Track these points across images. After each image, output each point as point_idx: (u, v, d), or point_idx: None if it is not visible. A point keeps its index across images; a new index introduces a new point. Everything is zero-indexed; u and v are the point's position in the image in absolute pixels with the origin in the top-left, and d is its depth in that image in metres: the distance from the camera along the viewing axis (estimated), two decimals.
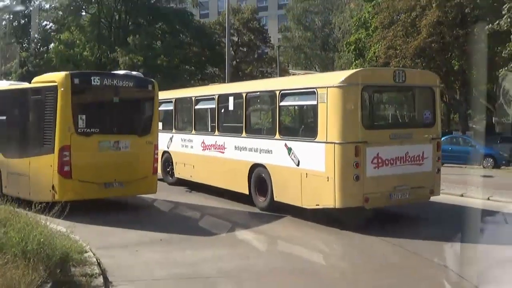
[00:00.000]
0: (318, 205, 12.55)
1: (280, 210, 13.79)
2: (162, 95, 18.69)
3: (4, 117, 15.58)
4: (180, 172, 18.67)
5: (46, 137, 13.52)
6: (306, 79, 14.70)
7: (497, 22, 28.04)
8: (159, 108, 18.26)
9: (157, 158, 15.04)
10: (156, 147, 14.87)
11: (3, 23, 51.18)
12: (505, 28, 27.72)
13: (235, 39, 66.51)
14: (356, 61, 44.20)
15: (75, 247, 9.21)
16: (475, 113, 39.21)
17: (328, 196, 12.08)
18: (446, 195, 16.40)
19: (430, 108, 13.26)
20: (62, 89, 13.17)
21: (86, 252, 9.34)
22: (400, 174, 12.37)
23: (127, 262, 9.59)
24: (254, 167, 14.55)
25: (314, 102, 12.58)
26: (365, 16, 44.82)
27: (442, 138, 31.99)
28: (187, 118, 18.55)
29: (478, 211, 14.11)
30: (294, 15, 69.27)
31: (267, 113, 14.93)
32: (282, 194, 13.69)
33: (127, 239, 11.26)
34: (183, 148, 18.31)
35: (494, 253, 10.08)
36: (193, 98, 17.90)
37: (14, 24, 51.51)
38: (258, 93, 15.36)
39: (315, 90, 12.57)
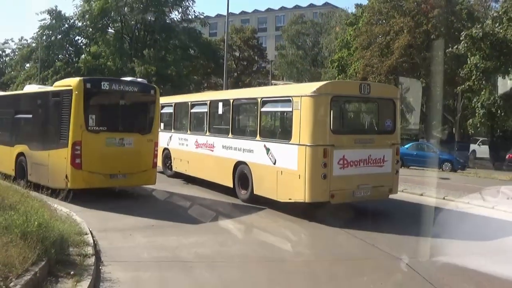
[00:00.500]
0: (290, 199, 12.28)
1: (259, 202, 13.49)
2: (164, 99, 18.54)
3: (31, 115, 15.63)
4: (177, 166, 18.41)
5: (62, 133, 13.50)
6: (284, 89, 14.52)
7: (456, 46, 27.93)
8: (162, 111, 18.17)
9: (157, 154, 14.82)
10: (156, 144, 14.71)
11: (43, 37, 51.31)
12: (463, 52, 27.64)
13: (237, 54, 66.85)
14: (339, 76, 44.20)
15: (75, 229, 9.10)
16: (438, 124, 38.91)
17: (299, 192, 11.82)
18: (409, 194, 16.24)
19: (391, 117, 12.95)
20: (76, 92, 13.15)
21: (86, 234, 9.15)
22: (363, 174, 12.07)
23: (119, 245, 9.36)
24: (238, 164, 14.25)
25: (290, 109, 12.30)
26: (347, 38, 44.84)
27: (409, 145, 32.30)
28: (184, 120, 18.19)
29: (433, 208, 13.83)
30: (289, 36, 70.04)
31: (250, 117, 14.56)
32: (260, 188, 13.39)
33: (124, 224, 11.02)
34: (180, 146, 18.02)
35: (444, 246, 9.67)
36: (189, 103, 17.64)
37: (52, 38, 51.67)
38: (243, 100, 15.05)
39: (291, 98, 12.29)
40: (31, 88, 18.33)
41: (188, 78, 49.58)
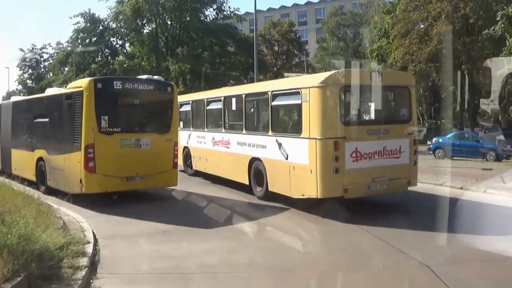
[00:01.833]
0: (303, 195, 11.86)
1: (274, 199, 13.09)
2: (183, 98, 18.46)
3: (47, 119, 15.36)
4: (196, 164, 18.24)
5: (75, 136, 13.14)
6: (293, 80, 14.02)
7: (492, 28, 26.63)
8: (181, 109, 17.94)
9: (177, 154, 14.36)
10: (176, 144, 14.23)
11: (78, 41, 52.02)
12: (500, 33, 26.32)
13: (276, 48, 66.40)
14: (379, 66, 43.16)
15: (77, 238, 8.86)
16: (483, 112, 37.48)
17: (311, 187, 11.41)
18: (448, 188, 15.18)
19: (406, 105, 12.36)
20: (87, 93, 12.79)
21: (87, 243, 8.84)
22: (378, 167, 11.54)
23: (121, 254, 8.93)
24: (253, 160, 13.94)
25: (299, 102, 11.84)
26: (385, 27, 43.77)
27: (451, 134, 31.20)
28: (201, 117, 17.93)
29: (469, 203, 12.83)
30: (329, 28, 69.40)
31: (262, 112, 14.14)
32: (275, 184, 13.03)
33: (135, 230, 10.62)
34: (199, 143, 17.83)
35: (475, 247, 8.76)
36: (205, 100, 17.44)
37: (86, 41, 52.21)
38: (255, 94, 14.61)
39: (299, 90, 11.85)
40: (51, 91, 18.31)
41: (226, 75, 49.40)
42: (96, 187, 12.82)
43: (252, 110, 14.83)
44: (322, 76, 11.83)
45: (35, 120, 16.32)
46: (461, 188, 15.15)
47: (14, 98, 21.03)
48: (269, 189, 13.18)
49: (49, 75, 64.34)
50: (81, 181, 12.82)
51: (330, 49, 68.57)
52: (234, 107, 15.37)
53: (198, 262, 8.37)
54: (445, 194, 13.94)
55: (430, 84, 43.69)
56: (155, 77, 15.28)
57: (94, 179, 12.76)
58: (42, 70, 70.78)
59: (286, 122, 13.27)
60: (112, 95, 13.35)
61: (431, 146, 31.90)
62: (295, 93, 12.08)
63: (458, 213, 11.00)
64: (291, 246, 9.75)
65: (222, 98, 16.10)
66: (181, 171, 17.38)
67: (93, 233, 9.76)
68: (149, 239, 9.84)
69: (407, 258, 8.48)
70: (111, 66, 48.16)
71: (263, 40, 63.51)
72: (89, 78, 13.85)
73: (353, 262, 8.57)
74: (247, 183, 14.28)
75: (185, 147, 18.77)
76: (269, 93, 13.17)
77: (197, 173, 18.29)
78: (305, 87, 11.60)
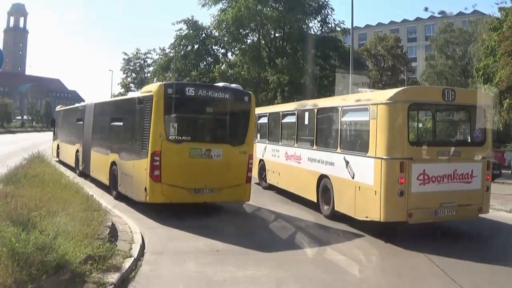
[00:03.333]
0: (367, 217, 11.32)
1: (341, 218, 12.54)
2: (261, 110, 18.38)
3: (121, 123, 15.28)
4: (270, 178, 18.04)
5: (144, 142, 12.73)
6: (363, 96, 13.39)
7: None
8: (259, 121, 17.81)
9: (251, 168, 13.75)
10: (250, 157, 13.61)
11: (180, 47, 52.38)
12: None
13: (381, 64, 65.06)
14: (485, 86, 40.90)
15: (121, 250, 8.62)
16: None
17: (375, 210, 10.87)
18: None
19: (481, 127, 11.52)
20: (156, 98, 12.41)
21: (129, 257, 8.49)
22: (447, 191, 10.82)
23: (162, 272, 8.45)
24: (322, 177, 13.53)
25: (367, 118, 11.34)
26: (491, 44, 41.41)
27: None
28: (276, 130, 17.67)
29: None
30: (437, 45, 66.79)
31: (332, 127, 13.64)
32: (341, 204, 12.56)
33: (188, 247, 10.15)
34: (273, 157, 17.61)
35: None
36: (281, 113, 17.24)
37: (188, 48, 52.67)
38: (326, 109, 14.12)
39: (368, 106, 11.39)
40: (130, 95, 18.36)
41: (327, 89, 48.66)
42: (160, 197, 12.40)
43: (323, 126, 14.42)
44: (390, 92, 11.28)
45: (111, 123, 16.30)
46: None
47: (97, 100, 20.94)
48: (335, 209, 12.72)
49: (153, 80, 66.34)
50: (145, 189, 12.48)
51: (438, 67, 66.11)
52: (306, 122, 15.07)
53: None
54: None
55: None
56: (233, 85, 14.59)
57: (159, 188, 12.33)
58: (146, 75, 72.63)
59: (354, 139, 12.77)
60: (184, 101, 12.84)
61: None
62: (364, 109, 11.62)
63: None
64: (346, 277, 8.96)
65: (296, 112, 15.85)
66: (256, 183, 17.26)
67: (142, 246, 9.51)
68: (198, 259, 9.33)
69: None
70: (211, 74, 48.52)
71: (368, 55, 62.44)
72: (159, 83, 13.40)
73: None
74: (315, 200, 13.89)
75: (260, 160, 18.65)
76: (339, 109, 12.77)
77: (271, 187, 18.05)
78: (373, 103, 11.13)
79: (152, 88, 13.24)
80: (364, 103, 11.85)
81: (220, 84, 14.65)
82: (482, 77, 41.43)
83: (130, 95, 18.22)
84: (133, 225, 11.20)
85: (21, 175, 13.51)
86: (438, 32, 69.88)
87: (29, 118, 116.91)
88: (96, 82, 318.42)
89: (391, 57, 64.71)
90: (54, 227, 7.85)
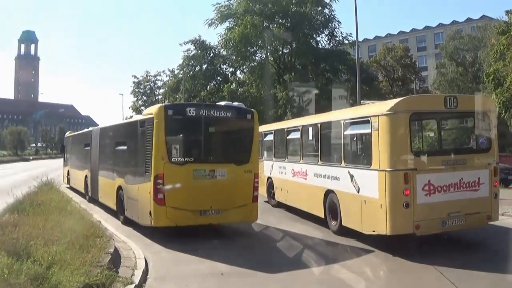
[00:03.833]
0: (374, 231, 11.17)
1: (349, 234, 12.35)
2: (266, 127, 18.29)
3: (125, 147, 15.17)
4: (278, 196, 17.91)
5: (147, 165, 12.56)
6: (364, 108, 13.28)
7: None
8: (264, 139, 17.74)
9: (257, 187, 13.38)
10: (256, 176, 13.32)
11: (189, 68, 52.21)
12: None
13: (392, 75, 64.82)
14: (496, 91, 40.49)
15: (122, 277, 8.51)
16: None
17: (381, 223, 10.71)
18: None
19: (485, 133, 11.34)
20: (157, 120, 12.29)
21: (130, 283, 8.36)
22: (454, 201, 10.64)
23: None
24: (328, 192, 13.38)
25: (369, 130, 11.23)
26: (500, 48, 41.06)
27: None
28: (282, 147, 17.56)
29: None
30: (447, 53, 66.43)
31: (336, 142, 13.48)
32: (348, 219, 12.39)
33: (192, 270, 9.97)
34: (280, 174, 17.49)
35: None
36: (285, 130, 17.13)
37: (196, 68, 52.43)
38: (329, 123, 13.95)
39: (369, 118, 11.27)
40: (134, 118, 18.09)
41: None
42: (165, 220, 12.23)
43: (327, 140, 14.26)
44: (391, 102, 11.14)
45: (116, 148, 16.25)
46: None
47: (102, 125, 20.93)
48: (343, 224, 12.55)
49: (164, 102, 66.40)
50: (150, 213, 12.31)
51: (449, 74, 65.75)
52: (310, 137, 15.00)
53: None
54: None
55: None
56: (235, 103, 14.50)
57: (164, 211, 12.16)
58: (157, 97, 72.65)
59: (358, 152, 12.64)
60: (185, 122, 12.79)
61: None
62: (365, 121, 11.50)
63: None
64: None
65: (300, 127, 15.77)
66: (265, 201, 17.16)
67: (145, 272, 9.40)
68: (201, 284, 9.20)
69: None
70: (220, 93, 48.57)
71: (378, 66, 62.32)
72: (160, 105, 13.24)
73: None
74: (323, 216, 13.75)
75: (268, 177, 18.56)
76: (342, 122, 12.64)
77: (280, 205, 17.90)
78: (374, 115, 11.03)
79: (152, 110, 13.10)
80: (365, 115, 11.74)
81: (222, 102, 14.59)
82: (493, 82, 41.05)
83: (134, 118, 18.18)
84: (137, 250, 11.07)
85: (27, 203, 13.51)
86: (447, 39, 69.68)
87: (43, 145, 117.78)
88: (109, 106, 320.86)
89: (401, 67, 64.50)
90: (49, 256, 7.77)
